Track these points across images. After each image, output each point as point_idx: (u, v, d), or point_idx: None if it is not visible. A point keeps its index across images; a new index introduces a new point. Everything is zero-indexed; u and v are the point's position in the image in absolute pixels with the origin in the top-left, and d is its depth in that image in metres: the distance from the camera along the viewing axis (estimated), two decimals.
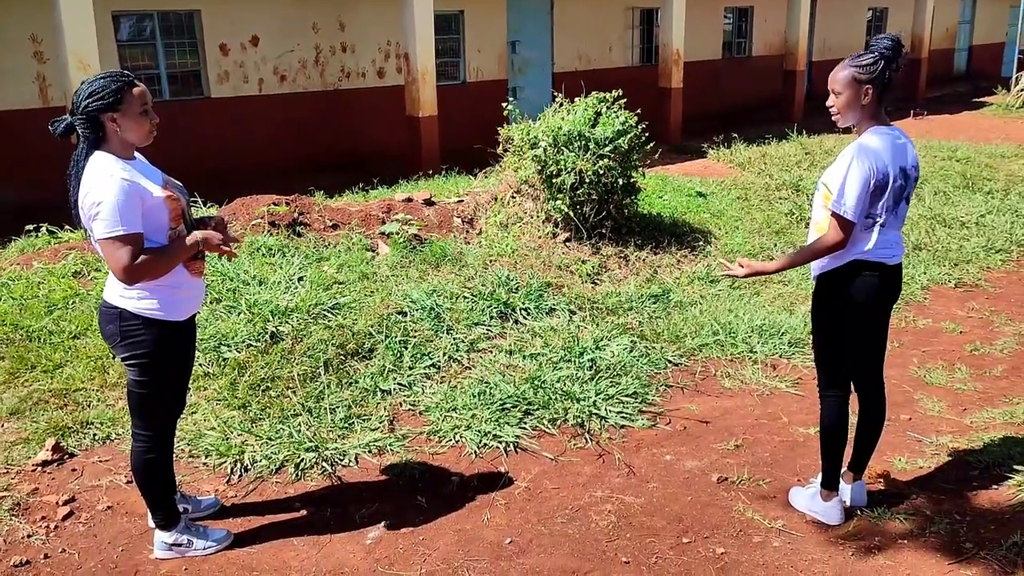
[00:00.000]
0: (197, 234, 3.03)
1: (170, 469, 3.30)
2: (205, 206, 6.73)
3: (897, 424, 4.38)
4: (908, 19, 20.25)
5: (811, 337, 3.47)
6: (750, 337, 5.37)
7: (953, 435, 4.23)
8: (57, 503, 3.62)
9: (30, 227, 6.65)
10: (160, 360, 3.05)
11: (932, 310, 6.10)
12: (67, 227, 6.62)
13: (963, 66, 25.47)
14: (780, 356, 5.20)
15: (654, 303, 5.93)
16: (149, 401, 3.10)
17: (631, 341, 5.21)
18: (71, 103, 2.92)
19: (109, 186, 2.81)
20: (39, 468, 3.88)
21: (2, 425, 4.25)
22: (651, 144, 7.26)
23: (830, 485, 3.50)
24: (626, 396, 4.57)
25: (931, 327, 5.78)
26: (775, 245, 7.31)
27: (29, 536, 3.40)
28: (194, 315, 3.24)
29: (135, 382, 3.07)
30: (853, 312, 3.31)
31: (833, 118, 3.28)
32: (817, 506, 3.53)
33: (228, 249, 3.14)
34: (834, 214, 3.15)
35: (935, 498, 3.67)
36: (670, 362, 5.09)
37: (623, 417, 4.40)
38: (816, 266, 3.34)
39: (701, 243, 7.22)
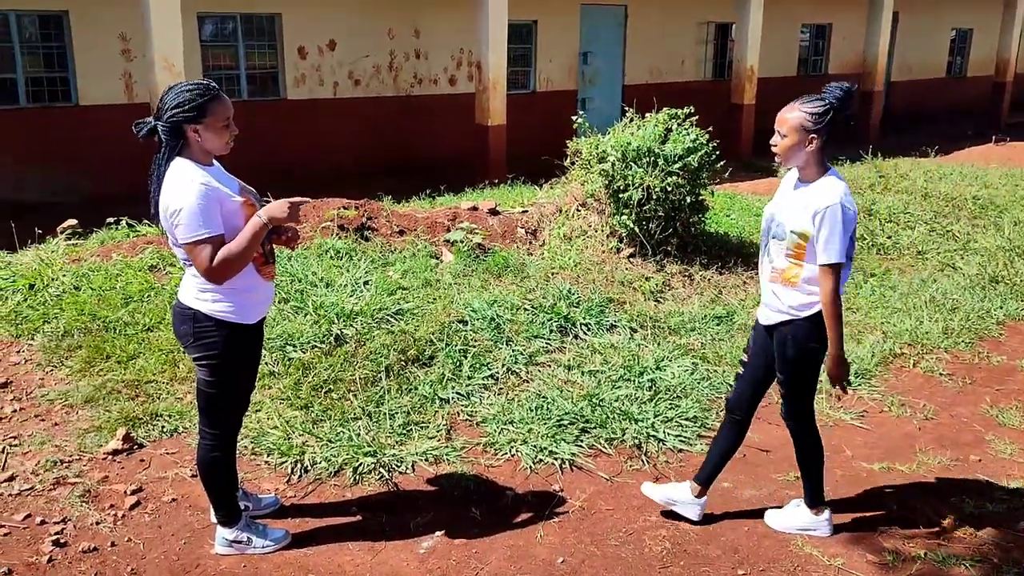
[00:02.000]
0: (261, 212, 3.03)
1: (233, 467, 3.38)
2: None
3: (966, 465, 4.24)
4: (993, 41, 19.66)
5: (781, 376, 3.46)
6: None
7: None
8: (125, 492, 3.74)
9: (111, 220, 6.89)
10: (230, 361, 3.13)
11: (1008, 346, 5.90)
12: (146, 221, 6.84)
13: None
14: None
15: (718, 324, 5.86)
16: (217, 401, 3.19)
17: (693, 363, 5.16)
18: (156, 107, 3.03)
19: (189, 192, 2.90)
20: (110, 457, 4.01)
21: (77, 412, 4.41)
22: (721, 162, 7.17)
23: (822, 502, 3.60)
24: (685, 419, 4.52)
25: (1006, 364, 5.59)
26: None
27: (98, 523, 3.53)
28: (263, 318, 3.32)
29: (205, 382, 3.16)
30: (816, 357, 3.37)
31: (775, 155, 3.27)
32: (809, 520, 3.59)
33: (293, 228, 3.22)
34: (830, 265, 3.13)
35: (1004, 545, 3.55)
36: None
37: (681, 441, 4.36)
38: (795, 312, 3.29)
39: None
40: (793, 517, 3.64)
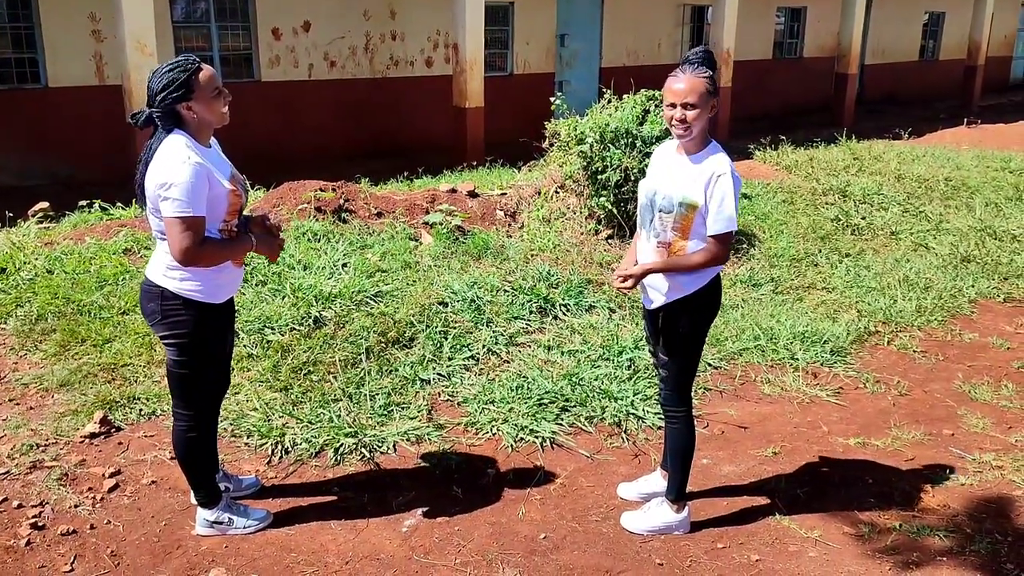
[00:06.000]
0: (256, 242, 3.14)
1: (212, 449, 3.37)
2: (253, 189, 6.82)
3: (939, 439, 4.32)
4: (965, 24, 19.84)
5: (670, 358, 3.31)
6: (792, 343, 5.32)
7: (997, 453, 4.16)
8: (103, 475, 3.71)
9: (83, 203, 6.80)
10: (198, 340, 3.11)
11: (979, 324, 6.00)
12: (119, 204, 6.76)
13: (1020, 74, 24.88)
14: (822, 364, 5.15)
15: None
16: (187, 381, 3.17)
17: None
18: (147, 95, 3.00)
19: (182, 168, 2.87)
20: (87, 440, 3.97)
21: (52, 396, 4.36)
22: None
23: (685, 497, 3.49)
24: None
25: (977, 341, 5.68)
26: (819, 251, 7.22)
27: (76, 506, 3.50)
28: (231, 298, 3.29)
29: (174, 362, 3.14)
30: (711, 319, 3.34)
31: (682, 134, 3.10)
32: (673, 519, 3.46)
33: (275, 255, 3.26)
34: (723, 234, 3.10)
35: (976, 516, 3.62)
36: (709, 365, 5.06)
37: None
38: (686, 287, 3.20)
39: (745, 245, 7.16)
40: (654, 517, 3.48)
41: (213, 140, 3.17)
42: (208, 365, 3.21)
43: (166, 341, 3.12)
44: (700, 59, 3.11)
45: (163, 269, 3.05)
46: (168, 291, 3.04)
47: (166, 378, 3.25)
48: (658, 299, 3.27)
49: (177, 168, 2.87)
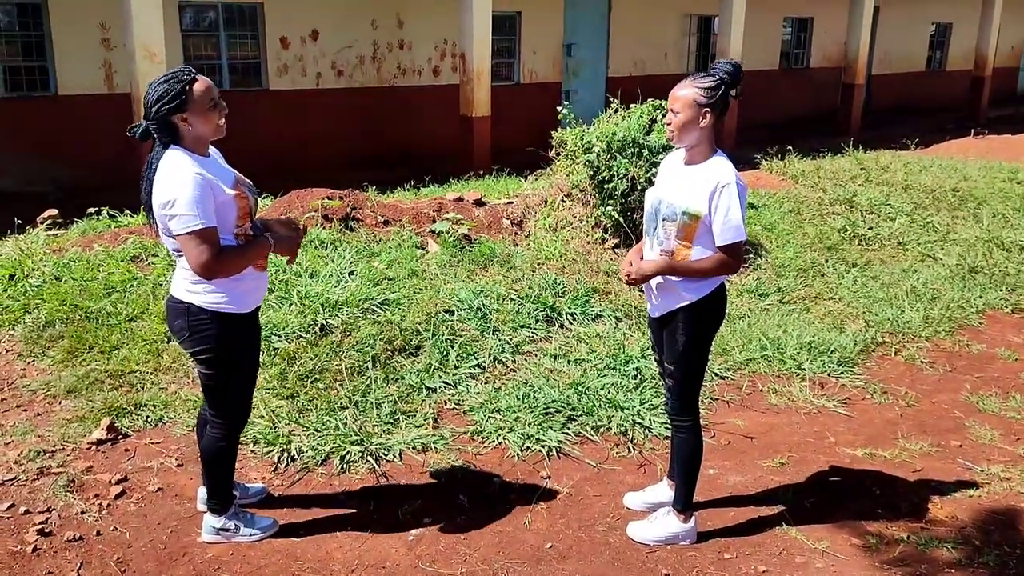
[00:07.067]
0: (273, 241, 3.13)
1: (236, 454, 3.37)
2: (260, 197, 6.83)
3: (947, 450, 4.30)
4: (972, 35, 19.80)
5: (674, 367, 3.31)
6: (799, 354, 5.30)
7: (1005, 465, 4.14)
8: (110, 482, 3.71)
9: (92, 210, 6.82)
10: (229, 352, 3.11)
11: (987, 335, 5.97)
12: (127, 211, 6.79)
13: None
14: (828, 375, 5.13)
15: None
16: (222, 392, 3.18)
17: None
18: (143, 107, 3.00)
19: (183, 182, 2.87)
20: (94, 446, 3.98)
21: (59, 403, 4.37)
22: None
23: (692, 507, 3.47)
24: None
25: (985, 353, 5.66)
26: (826, 261, 7.22)
27: (83, 513, 3.50)
28: (258, 307, 3.29)
29: (206, 375, 3.15)
30: (715, 328, 3.34)
31: (667, 136, 3.19)
32: (679, 529, 3.45)
33: (294, 253, 3.26)
34: (733, 245, 3.12)
35: (984, 528, 3.60)
36: (716, 375, 5.05)
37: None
38: (691, 295, 3.21)
39: (751, 255, 7.15)
40: (661, 527, 3.47)
41: (214, 150, 3.17)
42: (237, 374, 3.20)
43: (196, 356, 3.12)
44: (713, 70, 3.14)
45: (186, 284, 3.05)
46: (195, 306, 3.04)
47: (201, 390, 3.27)
48: (663, 307, 3.28)
49: (178, 184, 2.87)
